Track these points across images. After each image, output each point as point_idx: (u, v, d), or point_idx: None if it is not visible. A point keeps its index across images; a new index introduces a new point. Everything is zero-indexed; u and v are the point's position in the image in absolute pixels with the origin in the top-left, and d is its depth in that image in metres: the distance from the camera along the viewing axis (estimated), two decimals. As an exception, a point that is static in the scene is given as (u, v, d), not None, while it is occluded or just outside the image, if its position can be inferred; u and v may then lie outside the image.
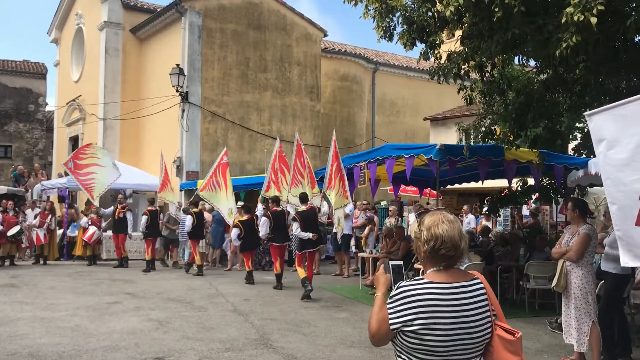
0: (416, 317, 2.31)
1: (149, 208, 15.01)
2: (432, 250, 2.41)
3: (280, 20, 20.21)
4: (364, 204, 15.38)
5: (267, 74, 19.83)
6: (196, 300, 10.19)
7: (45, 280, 12.36)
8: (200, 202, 14.79)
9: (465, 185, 14.22)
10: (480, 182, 11.64)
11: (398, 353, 2.44)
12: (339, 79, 23.43)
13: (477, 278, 2.47)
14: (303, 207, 11.18)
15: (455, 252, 2.40)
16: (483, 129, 8.53)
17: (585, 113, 4.40)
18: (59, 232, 16.59)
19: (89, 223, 15.81)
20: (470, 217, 15.26)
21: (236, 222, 12.86)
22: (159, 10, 20.11)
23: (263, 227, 11.90)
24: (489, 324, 2.40)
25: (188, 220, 14.26)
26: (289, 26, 20.37)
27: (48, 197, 19.67)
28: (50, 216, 15.78)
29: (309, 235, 10.80)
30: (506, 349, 2.40)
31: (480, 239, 12.83)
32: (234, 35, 19.20)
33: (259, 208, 14.73)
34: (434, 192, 14.43)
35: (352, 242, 14.42)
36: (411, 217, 15.05)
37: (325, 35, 21.62)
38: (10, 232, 14.62)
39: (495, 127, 8.82)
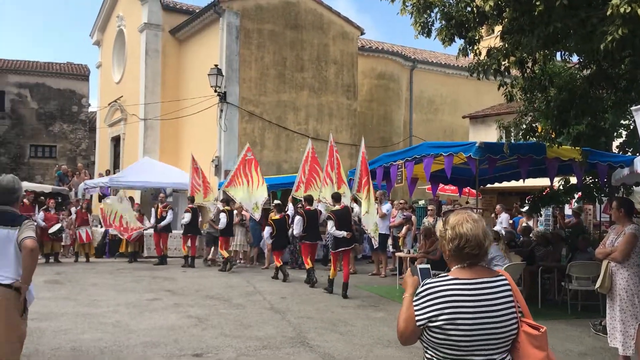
0: (441, 313, 2.39)
1: (190, 206, 15.22)
2: (456, 249, 2.48)
3: (317, 19, 20.22)
4: (401, 203, 15.26)
5: (303, 73, 19.85)
6: (234, 298, 10.27)
7: (87, 277, 12.64)
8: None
9: (505, 184, 13.95)
10: (521, 180, 11.41)
11: (425, 349, 2.51)
12: (376, 77, 23.30)
13: (502, 275, 2.53)
14: (337, 206, 11.26)
15: (479, 250, 2.47)
16: (524, 126, 8.33)
17: (632, 108, 4.24)
18: (101, 230, 16.92)
19: None
20: (504, 216, 14.94)
21: (269, 221, 13.18)
22: (197, 11, 20.35)
23: (297, 226, 12.25)
24: (514, 320, 2.45)
25: (223, 218, 14.43)
26: (326, 25, 20.36)
27: (91, 196, 20.14)
28: (88, 215, 16.19)
29: (343, 233, 10.88)
30: (532, 345, 2.44)
31: (521, 238, 12.59)
32: (271, 35, 19.29)
33: (290, 208, 14.80)
34: (474, 191, 14.22)
35: (390, 241, 14.33)
36: None
37: (362, 34, 21.52)
38: (52, 230, 14.99)
39: (537, 124, 8.61)
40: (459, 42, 6.74)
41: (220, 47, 18.63)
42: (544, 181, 11.99)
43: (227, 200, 15.08)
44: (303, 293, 11.03)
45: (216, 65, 18.11)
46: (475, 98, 24.77)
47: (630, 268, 6.15)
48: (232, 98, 18.47)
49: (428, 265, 2.71)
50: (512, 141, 8.43)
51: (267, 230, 13.28)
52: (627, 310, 6.08)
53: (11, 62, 32.69)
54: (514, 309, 2.46)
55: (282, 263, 12.92)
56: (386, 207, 14.39)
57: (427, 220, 14.03)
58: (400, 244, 14.19)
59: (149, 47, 21.57)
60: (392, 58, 23.75)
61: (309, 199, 12.43)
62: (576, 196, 12.59)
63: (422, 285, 2.50)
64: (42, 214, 15.20)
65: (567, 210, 15.27)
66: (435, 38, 6.47)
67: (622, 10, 4.52)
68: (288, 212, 14.30)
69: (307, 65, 19.93)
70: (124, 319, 8.25)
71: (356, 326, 8.15)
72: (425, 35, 6.51)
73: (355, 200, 13.14)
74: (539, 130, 8.47)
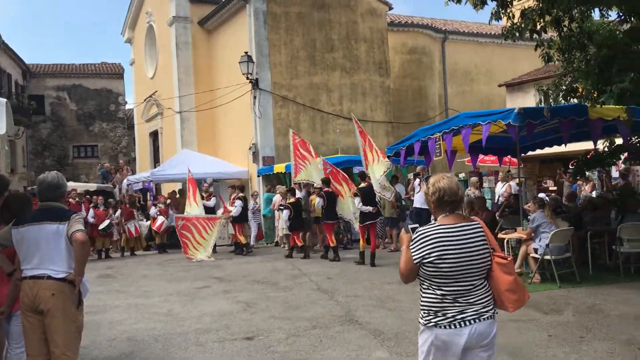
0: (432, 251, 3.12)
1: (241, 194, 15.32)
2: (438, 199, 3.23)
3: (344, -3, 19.98)
4: (441, 177, 15.05)
5: (334, 53, 19.72)
6: (281, 281, 10.37)
7: (137, 270, 12.95)
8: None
9: (547, 150, 13.57)
10: (563, 145, 11.08)
11: (421, 281, 3.24)
12: (408, 52, 22.98)
13: (476, 221, 3.27)
14: (363, 184, 12.52)
15: (455, 197, 3.21)
16: (564, 87, 8.07)
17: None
18: (147, 223, 17.23)
19: (158, 213, 16.41)
20: (512, 183, 14.51)
21: (287, 204, 14.11)
22: (223, 0, 20.38)
23: (319, 206, 13.39)
24: (487, 254, 3.19)
25: (238, 205, 14.80)
26: (353, 2, 20.12)
27: (135, 191, 20.54)
28: (134, 210, 16.52)
29: (369, 208, 11.99)
30: (502, 271, 3.20)
31: (567, 204, 12.29)
32: (299, 18, 19.19)
33: (300, 192, 14.95)
34: (515, 160, 13.91)
35: (432, 216, 14.19)
36: (498, 186, 14.66)
37: (391, 9, 21.20)
38: (101, 226, 15.40)
39: (577, 84, 8.32)
40: (491, 6, 6.55)
41: (249, 34, 18.65)
42: (587, 145, 11.60)
43: (242, 187, 15.83)
44: (349, 273, 11.05)
45: (246, 53, 18.14)
46: (510, 66, 24.20)
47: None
48: (264, 84, 18.50)
49: (417, 225, 3.32)
50: (552, 103, 8.16)
51: (285, 213, 14.14)
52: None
53: (48, 66, 33.51)
54: (486, 246, 3.20)
55: (302, 243, 13.92)
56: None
57: (471, 191, 13.82)
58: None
59: (179, 39, 21.76)
60: (422, 31, 23.38)
61: (326, 181, 13.21)
62: (622, 157, 12.16)
63: (416, 232, 3.21)
64: (91, 211, 15.60)
65: (615, 173, 14.82)
66: (466, 3, 6.31)
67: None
68: (299, 196, 14.64)
69: (337, 45, 19.78)
70: (175, 308, 8.43)
71: (403, 301, 8.14)
72: (455, 1, 6.35)
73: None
74: (580, 90, 8.20)
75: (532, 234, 9.30)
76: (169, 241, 16.62)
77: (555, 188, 16.17)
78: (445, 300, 3.13)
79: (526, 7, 6.92)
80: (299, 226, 14.02)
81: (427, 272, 3.16)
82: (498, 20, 6.95)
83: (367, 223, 12.08)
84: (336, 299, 8.56)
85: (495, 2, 6.43)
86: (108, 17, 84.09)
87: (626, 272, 9.35)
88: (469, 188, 14.43)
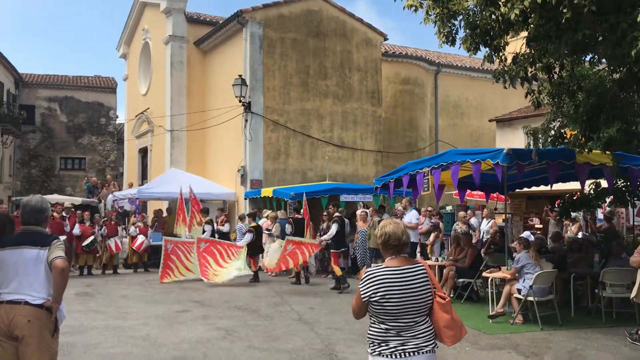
0: (377, 290, 3.46)
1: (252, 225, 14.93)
2: (384, 242, 3.60)
3: (340, 26, 20.19)
4: (428, 210, 15.12)
5: (327, 80, 19.85)
6: (262, 309, 10.27)
7: (117, 289, 12.78)
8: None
9: (534, 187, 13.71)
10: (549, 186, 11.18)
11: (370, 317, 3.58)
12: (400, 83, 23.17)
13: (420, 263, 3.61)
14: (337, 214, 13.66)
15: (398, 242, 3.57)
16: (552, 132, 8.16)
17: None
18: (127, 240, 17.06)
19: (137, 232, 16.29)
20: (413, 213, 14.38)
21: (250, 228, 14.39)
22: (221, 22, 20.51)
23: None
24: (429, 294, 3.54)
25: (248, 236, 14.55)
26: (349, 32, 20.33)
27: (121, 207, 20.36)
28: (117, 226, 16.39)
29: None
30: (441, 309, 3.54)
31: (551, 244, 12.34)
32: (294, 44, 19.34)
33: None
34: (502, 196, 14.00)
35: (417, 249, 14.19)
36: (483, 223, 14.67)
37: (386, 39, 21.43)
38: (85, 243, 15.23)
39: (565, 130, 8.43)
40: (484, 50, 6.65)
41: (244, 57, 18.74)
42: (574, 185, 11.73)
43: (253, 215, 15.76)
44: (331, 303, 10.98)
45: (240, 76, 18.21)
46: (501, 101, 24.47)
47: (667, 277, 5.98)
48: (256, 107, 18.55)
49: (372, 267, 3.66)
50: (541, 146, 8.26)
51: (248, 236, 14.18)
52: (665, 320, 5.91)
53: (41, 76, 33.42)
54: (429, 286, 3.54)
55: (257, 268, 14.41)
56: (411, 214, 14.29)
57: (459, 226, 13.85)
58: (428, 251, 14.05)
59: (174, 58, 21.81)
60: (416, 63, 23.61)
61: (298, 209, 15.13)
62: (608, 200, 12.28)
63: (365, 273, 3.57)
64: (77, 226, 15.42)
65: (599, 215, 14.93)
66: (460, 47, 6.40)
67: (652, 15, 4.39)
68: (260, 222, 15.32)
69: (331, 73, 19.92)
70: (154, 332, 8.31)
71: (385, 337, 8.07)
72: (449, 44, 6.43)
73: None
74: (568, 135, 8.30)
75: (517, 274, 9.31)
76: (151, 260, 16.48)
77: (541, 226, 16.24)
78: (388, 334, 3.48)
79: (518, 50, 7.02)
80: (257, 251, 14.48)
81: (374, 310, 3.50)
82: (491, 63, 7.04)
83: (341, 250, 13.35)
84: (317, 330, 8.49)
85: (488, 48, 6.53)
86: (105, 30, 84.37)
87: (608, 317, 9.35)
88: (456, 222, 14.47)
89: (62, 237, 14.53)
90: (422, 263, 3.67)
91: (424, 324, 3.52)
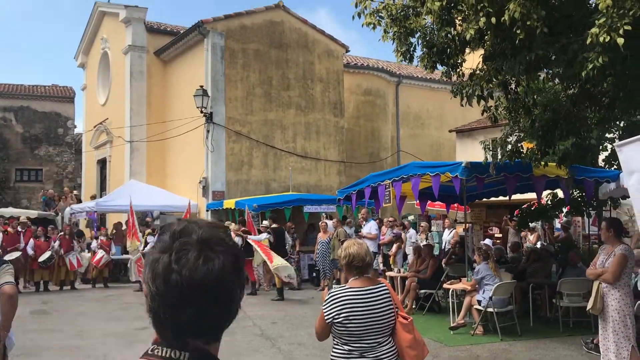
0: (341, 311, 3.45)
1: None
2: (347, 263, 3.58)
3: (302, 38, 20.24)
4: (390, 221, 15.20)
5: (290, 91, 19.84)
6: (224, 325, 10.12)
7: (74, 306, 12.46)
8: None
9: (493, 198, 13.97)
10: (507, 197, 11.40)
11: (334, 338, 3.56)
12: (362, 94, 23.34)
13: (382, 284, 3.64)
14: (274, 225, 14.27)
15: (362, 263, 3.56)
16: (509, 147, 8.33)
17: (614, 144, 4.25)
18: (88, 255, 16.65)
19: (98, 247, 15.94)
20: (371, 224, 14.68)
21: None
22: (181, 32, 20.31)
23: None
24: (392, 314, 3.54)
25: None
26: (311, 43, 20.39)
27: (78, 221, 19.90)
28: (73, 240, 15.88)
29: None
30: (404, 329, 3.55)
31: (511, 254, 12.56)
32: (256, 55, 19.28)
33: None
34: (462, 206, 14.21)
35: (379, 259, 14.25)
36: (445, 233, 14.82)
37: (347, 51, 21.58)
38: (42, 258, 14.76)
39: (522, 144, 8.61)
40: (441, 68, 6.74)
41: (206, 68, 18.59)
42: (532, 195, 11.98)
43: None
44: (294, 317, 10.91)
45: (202, 86, 18.04)
46: (461, 112, 24.52)
47: (622, 289, 6.13)
48: (218, 118, 18.40)
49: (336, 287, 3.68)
50: (499, 159, 8.41)
51: None
52: (620, 331, 6.05)
53: (-5, 86, 32.45)
54: (391, 307, 3.54)
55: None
56: (370, 224, 14.38)
57: (420, 238, 13.97)
58: (391, 262, 14.11)
59: (134, 68, 21.48)
60: (377, 74, 23.83)
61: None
62: (564, 210, 12.59)
63: (328, 293, 3.58)
64: (32, 242, 14.94)
65: (557, 224, 15.28)
66: (417, 65, 6.47)
67: (601, 39, 4.52)
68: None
69: (293, 84, 19.93)
70: (112, 352, 8.12)
71: (348, 352, 8.05)
72: (407, 62, 6.50)
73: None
74: (525, 150, 8.47)
75: (477, 286, 9.43)
76: (111, 275, 16.14)
77: (500, 235, 16.51)
78: (352, 355, 3.48)
79: (475, 67, 7.14)
80: None
81: (337, 331, 3.49)
82: (448, 79, 7.15)
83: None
84: (279, 346, 8.43)
85: (445, 66, 6.62)
86: (62, 39, 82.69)
87: (565, 326, 9.55)
88: (418, 233, 14.60)
89: (17, 254, 14.14)
90: (384, 283, 3.68)
91: (386, 345, 3.52)
